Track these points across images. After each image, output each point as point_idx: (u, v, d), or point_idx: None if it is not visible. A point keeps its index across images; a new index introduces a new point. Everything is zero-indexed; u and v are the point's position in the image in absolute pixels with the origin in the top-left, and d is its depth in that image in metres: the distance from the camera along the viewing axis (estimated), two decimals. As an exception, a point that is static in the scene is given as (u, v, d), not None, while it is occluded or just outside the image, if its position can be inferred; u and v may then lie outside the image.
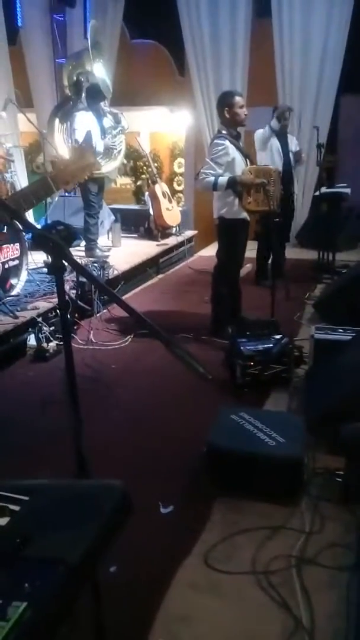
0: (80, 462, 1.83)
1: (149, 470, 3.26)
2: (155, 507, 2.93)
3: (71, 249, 7.24)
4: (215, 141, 5.05)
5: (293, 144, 7.28)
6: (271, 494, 2.94)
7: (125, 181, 12.11)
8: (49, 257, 1.68)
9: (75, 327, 5.50)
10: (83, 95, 7.38)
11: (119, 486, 1.63)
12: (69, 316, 5.10)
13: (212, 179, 4.91)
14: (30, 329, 5.08)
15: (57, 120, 7.46)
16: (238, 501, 2.95)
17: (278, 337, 4.39)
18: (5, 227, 5.28)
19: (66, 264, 1.69)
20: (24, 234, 5.44)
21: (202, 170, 5.02)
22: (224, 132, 5.06)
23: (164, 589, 2.40)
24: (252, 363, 4.22)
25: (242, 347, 4.29)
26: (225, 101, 5.09)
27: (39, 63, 9.43)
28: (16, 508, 1.52)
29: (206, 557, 2.59)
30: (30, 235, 5.18)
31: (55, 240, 1.60)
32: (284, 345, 4.32)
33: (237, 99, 5.05)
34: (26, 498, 1.56)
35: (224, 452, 3.04)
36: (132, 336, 5.33)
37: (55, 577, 1.29)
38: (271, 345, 4.30)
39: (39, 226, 7.12)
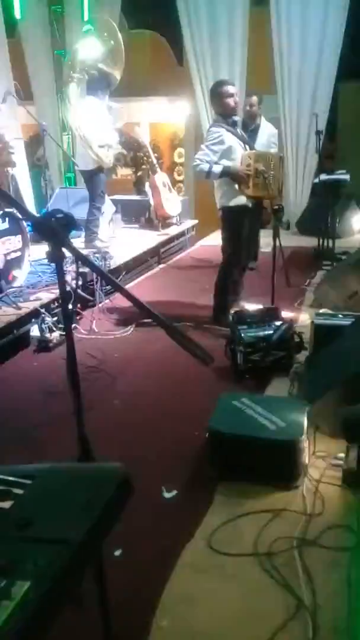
0: (83, 447, 1.86)
1: (152, 456, 3.30)
2: (158, 492, 2.97)
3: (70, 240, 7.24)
4: (211, 129, 5.03)
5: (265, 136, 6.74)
6: (273, 477, 2.97)
7: (125, 172, 12.10)
8: (49, 246, 1.69)
9: (78, 317, 5.52)
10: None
11: (119, 468, 1.65)
12: (70, 306, 5.12)
13: (206, 166, 4.87)
14: (33, 320, 5.11)
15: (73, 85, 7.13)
16: (240, 485, 2.99)
17: (278, 323, 4.41)
18: (7, 219, 5.30)
19: (66, 252, 1.71)
20: (26, 225, 5.46)
21: (196, 157, 4.98)
22: (219, 121, 5.03)
23: (168, 572, 2.43)
24: (253, 350, 4.25)
25: (243, 334, 4.31)
26: (214, 91, 5.07)
27: (38, 55, 9.40)
28: (19, 491, 1.54)
29: (209, 540, 2.62)
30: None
31: (54, 227, 1.62)
32: (284, 331, 4.33)
33: (226, 88, 4.99)
34: (29, 482, 1.58)
35: (226, 437, 3.07)
36: (134, 325, 5.36)
37: (58, 557, 1.31)
38: (272, 331, 4.32)
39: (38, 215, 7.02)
